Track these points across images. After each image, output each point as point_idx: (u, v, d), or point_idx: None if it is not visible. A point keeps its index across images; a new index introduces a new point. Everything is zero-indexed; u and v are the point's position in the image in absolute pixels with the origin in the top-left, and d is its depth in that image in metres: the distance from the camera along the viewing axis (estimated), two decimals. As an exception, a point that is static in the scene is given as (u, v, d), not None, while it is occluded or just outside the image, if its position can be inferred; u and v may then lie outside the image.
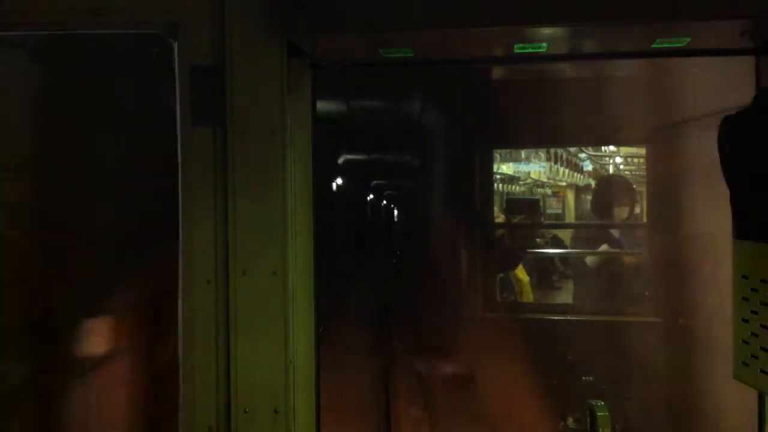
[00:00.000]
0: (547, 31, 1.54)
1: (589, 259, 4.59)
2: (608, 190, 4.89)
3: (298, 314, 1.55)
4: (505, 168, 11.52)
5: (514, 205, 6.52)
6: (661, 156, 3.88)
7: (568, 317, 4.23)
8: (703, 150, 2.63)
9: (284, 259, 1.49)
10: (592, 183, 12.76)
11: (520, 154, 10.94)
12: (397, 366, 5.82)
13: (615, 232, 4.66)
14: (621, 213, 4.58)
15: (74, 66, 1.96)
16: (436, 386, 4.80)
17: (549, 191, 13.92)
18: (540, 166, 11.90)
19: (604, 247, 4.53)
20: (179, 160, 1.52)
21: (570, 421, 3.73)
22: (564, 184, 13.29)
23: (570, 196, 13.80)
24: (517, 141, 5.41)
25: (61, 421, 2.00)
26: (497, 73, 4.15)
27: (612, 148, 9.76)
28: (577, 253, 5.01)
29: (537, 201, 7.94)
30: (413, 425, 4.54)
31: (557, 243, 8.27)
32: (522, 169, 12.05)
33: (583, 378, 3.71)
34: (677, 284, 3.45)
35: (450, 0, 1.48)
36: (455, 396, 4.39)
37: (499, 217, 5.68)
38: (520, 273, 5.20)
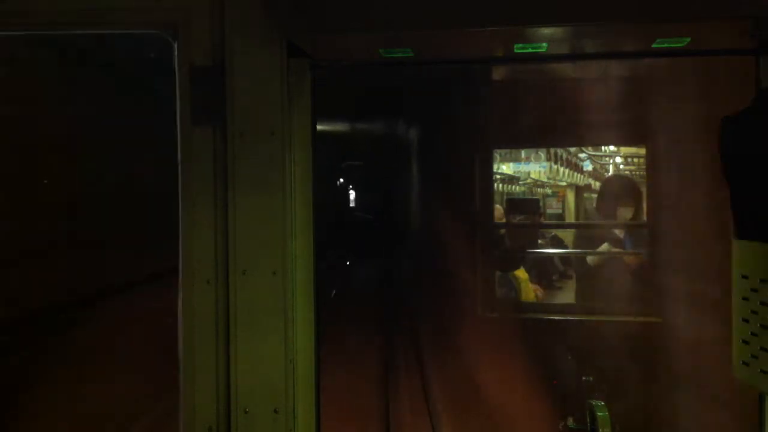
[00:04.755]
0: (547, 31, 1.54)
1: (590, 259, 4.60)
2: (614, 190, 4.88)
3: (298, 314, 1.55)
4: (505, 168, 11.52)
5: (513, 205, 6.52)
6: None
7: (567, 317, 4.24)
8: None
9: (284, 259, 1.49)
10: (592, 183, 12.76)
11: (520, 154, 10.94)
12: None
13: (619, 232, 4.66)
14: (626, 213, 4.58)
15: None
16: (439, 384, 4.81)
17: (549, 191, 13.92)
18: (540, 166, 11.90)
19: (604, 247, 4.53)
20: (179, 160, 1.52)
21: (570, 421, 3.73)
22: (564, 184, 13.27)
23: (570, 196, 13.78)
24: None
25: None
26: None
27: (612, 148, 9.75)
28: (576, 253, 5.01)
29: (537, 201, 7.94)
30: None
31: (557, 243, 8.28)
32: (522, 169, 12.05)
33: (584, 378, 3.71)
34: (679, 283, 3.45)
35: (450, 0, 1.48)
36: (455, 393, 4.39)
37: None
38: (519, 272, 5.22)
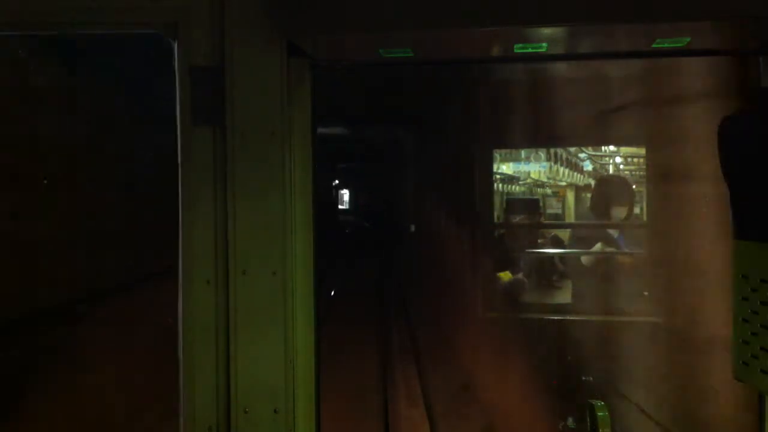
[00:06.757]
0: (547, 31, 1.54)
1: (584, 259, 4.62)
2: (606, 190, 4.90)
3: (298, 314, 1.55)
4: (505, 168, 11.52)
5: (513, 205, 6.53)
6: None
7: (562, 317, 4.24)
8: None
9: (284, 259, 1.49)
10: (592, 183, 12.76)
11: (520, 154, 10.94)
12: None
13: (614, 232, 4.67)
14: (619, 213, 4.59)
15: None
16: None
17: (549, 191, 13.92)
18: (540, 166, 11.91)
19: (597, 247, 4.54)
20: (179, 160, 1.52)
21: (570, 421, 3.73)
22: (564, 184, 13.28)
23: (570, 196, 13.79)
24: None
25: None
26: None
27: (612, 148, 9.76)
28: (570, 253, 5.02)
29: (537, 201, 7.94)
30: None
31: (558, 243, 8.25)
32: (522, 169, 12.06)
33: (583, 378, 3.71)
34: (676, 283, 3.45)
35: (450, 0, 1.48)
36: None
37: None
38: (503, 274, 5.29)
